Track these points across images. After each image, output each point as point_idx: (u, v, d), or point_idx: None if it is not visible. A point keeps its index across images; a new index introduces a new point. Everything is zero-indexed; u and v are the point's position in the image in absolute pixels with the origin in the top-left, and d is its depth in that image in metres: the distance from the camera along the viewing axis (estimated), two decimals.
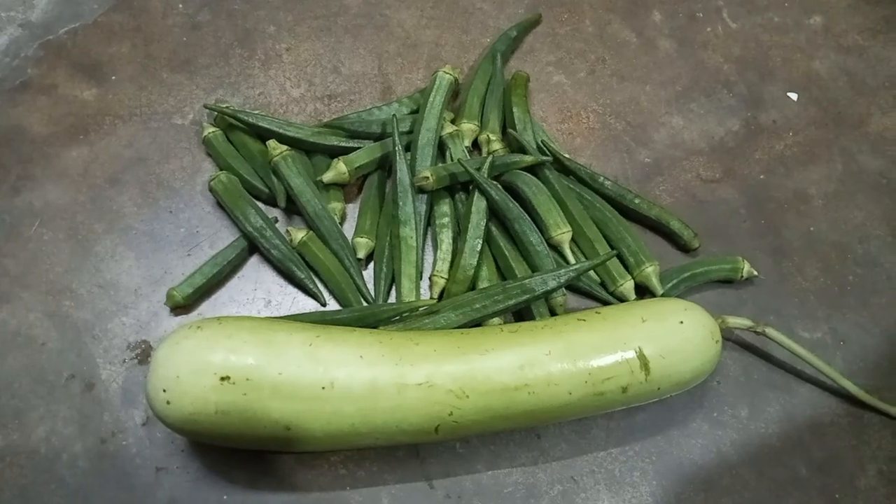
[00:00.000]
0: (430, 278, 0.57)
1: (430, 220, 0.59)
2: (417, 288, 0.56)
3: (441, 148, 0.61)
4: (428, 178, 0.57)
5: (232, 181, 0.59)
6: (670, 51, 0.72)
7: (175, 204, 0.60)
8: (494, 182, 0.57)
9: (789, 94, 0.70)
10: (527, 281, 0.52)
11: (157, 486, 0.49)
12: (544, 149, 0.62)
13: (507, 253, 0.57)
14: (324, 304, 0.56)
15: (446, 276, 0.56)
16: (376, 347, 0.46)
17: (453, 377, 0.45)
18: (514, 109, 0.63)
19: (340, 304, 0.56)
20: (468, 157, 0.61)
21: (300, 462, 0.50)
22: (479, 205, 0.56)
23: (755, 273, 0.58)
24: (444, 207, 0.59)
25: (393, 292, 0.57)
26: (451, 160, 0.60)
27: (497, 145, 0.62)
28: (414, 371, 0.45)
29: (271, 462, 0.50)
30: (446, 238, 0.57)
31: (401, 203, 0.57)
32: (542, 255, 0.55)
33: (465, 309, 0.52)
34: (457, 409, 0.45)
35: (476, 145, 0.64)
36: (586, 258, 0.58)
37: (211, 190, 0.59)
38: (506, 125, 0.64)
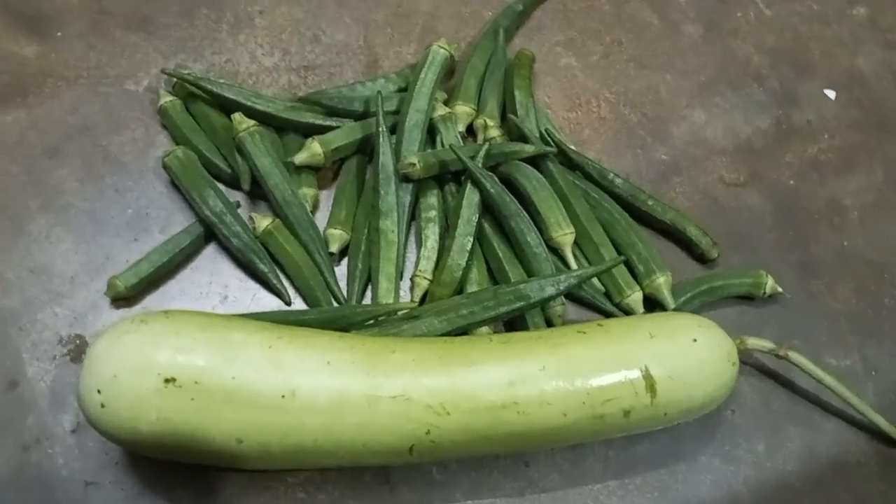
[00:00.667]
0: (411, 279, 0.57)
1: (414, 213, 0.59)
2: (397, 289, 0.56)
3: (431, 132, 0.61)
4: (414, 164, 0.57)
5: (189, 158, 0.59)
6: (696, 36, 0.73)
7: (123, 181, 0.59)
8: (490, 173, 0.58)
9: (827, 91, 0.71)
10: (522, 286, 0.52)
11: (86, 503, 0.48)
12: (548, 139, 0.62)
13: (500, 254, 0.57)
14: (288, 303, 0.56)
15: (430, 278, 0.56)
16: (346, 353, 0.45)
17: (433, 391, 0.45)
18: (516, 93, 0.63)
19: (307, 304, 0.56)
20: (461, 144, 0.61)
21: (252, 482, 0.50)
22: (471, 198, 0.56)
23: (780, 290, 0.58)
24: (432, 199, 0.59)
25: (368, 293, 0.57)
26: (442, 146, 0.60)
27: (495, 132, 0.62)
28: (388, 382, 0.44)
29: (219, 480, 0.50)
30: (432, 234, 0.58)
31: (382, 192, 0.57)
32: (541, 258, 0.56)
33: (451, 315, 0.52)
34: (435, 427, 0.45)
35: (471, 131, 0.64)
36: (590, 264, 0.58)
37: (165, 167, 0.59)
38: (506, 110, 0.64)
